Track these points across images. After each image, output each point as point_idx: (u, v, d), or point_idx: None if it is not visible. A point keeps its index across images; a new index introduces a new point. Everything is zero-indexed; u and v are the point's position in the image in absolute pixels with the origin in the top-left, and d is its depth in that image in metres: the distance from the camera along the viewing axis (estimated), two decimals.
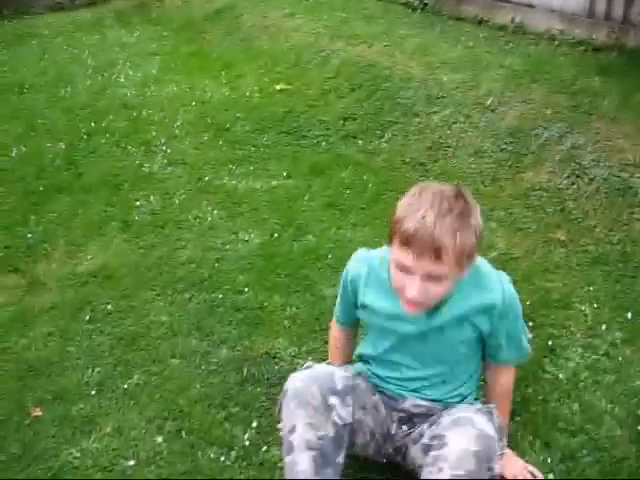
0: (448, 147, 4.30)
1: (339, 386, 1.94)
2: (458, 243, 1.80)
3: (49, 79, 6.36)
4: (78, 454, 2.36)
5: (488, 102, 4.60)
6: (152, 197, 4.02)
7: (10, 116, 5.52)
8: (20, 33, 8.33)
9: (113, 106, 5.47)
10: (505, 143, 4.22)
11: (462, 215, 1.84)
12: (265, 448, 2.31)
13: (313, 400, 1.89)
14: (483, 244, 1.92)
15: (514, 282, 2.07)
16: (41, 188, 4.28)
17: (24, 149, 4.88)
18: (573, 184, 3.86)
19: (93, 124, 5.15)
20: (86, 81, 6.15)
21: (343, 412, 1.92)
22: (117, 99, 5.62)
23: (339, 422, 1.91)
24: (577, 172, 3.92)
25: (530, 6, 5.65)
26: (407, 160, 4.23)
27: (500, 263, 3.10)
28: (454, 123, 4.50)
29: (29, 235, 3.77)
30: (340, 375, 1.98)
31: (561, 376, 2.63)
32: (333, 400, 1.91)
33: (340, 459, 1.93)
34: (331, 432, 1.89)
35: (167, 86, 5.74)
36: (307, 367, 2.06)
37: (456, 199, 1.86)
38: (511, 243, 3.41)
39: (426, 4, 6.49)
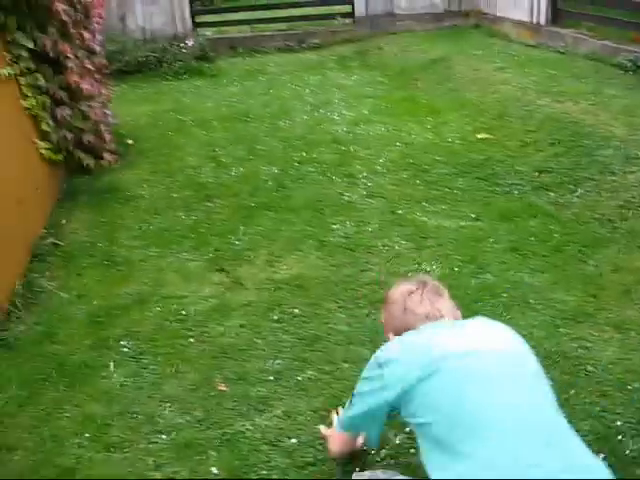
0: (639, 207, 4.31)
1: None
2: None
3: (272, 111, 7.03)
4: (250, 427, 2.72)
5: None
6: (348, 223, 4.39)
7: (235, 141, 6.21)
8: (251, 69, 9.24)
9: (324, 140, 5.97)
10: None
11: None
12: (413, 451, 2.52)
13: None
14: None
15: None
16: (252, 204, 4.81)
17: (242, 170, 5.48)
18: None
19: (304, 154, 5.67)
20: (303, 116, 6.74)
21: None
22: (329, 134, 6.12)
23: None
24: None
25: None
26: (596, 216, 4.28)
27: None
28: None
29: (237, 242, 4.27)
30: None
31: None
32: None
33: None
34: None
35: (376, 126, 6.17)
36: None
37: None
38: None
39: (638, 66, 6.45)
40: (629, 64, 6.56)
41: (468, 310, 3.39)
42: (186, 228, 4.53)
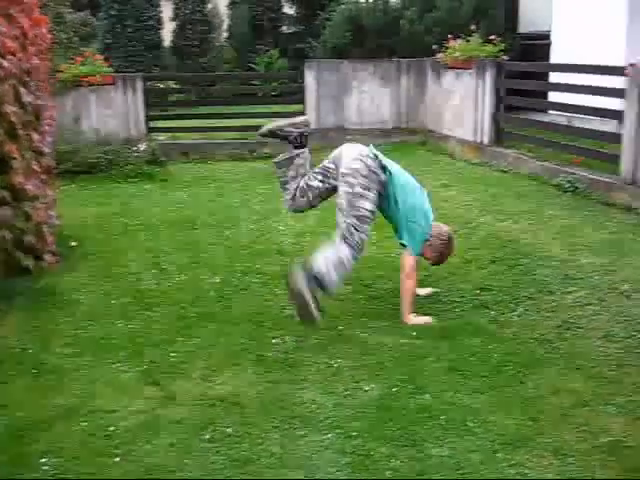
0: (578, 328, 4.35)
1: None
2: None
3: (219, 219, 7.05)
4: None
5: (624, 287, 4.65)
6: (287, 338, 4.33)
7: (180, 247, 6.18)
8: (201, 176, 9.33)
9: (270, 250, 5.98)
10: (636, 330, 4.23)
11: None
12: None
13: None
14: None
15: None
16: (192, 314, 4.73)
17: (184, 278, 5.43)
18: None
19: (249, 264, 5.65)
20: (250, 225, 6.78)
21: None
22: (274, 245, 6.14)
23: None
24: None
25: None
26: (535, 335, 4.31)
27: (609, 448, 3.12)
28: (587, 305, 4.57)
29: (173, 354, 4.17)
30: None
31: None
32: None
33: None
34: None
35: (321, 238, 6.18)
36: None
37: None
38: (627, 431, 3.37)
39: (577, 187, 6.68)
40: (568, 185, 6.80)
41: (405, 433, 3.35)
42: (122, 337, 4.41)
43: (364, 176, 4.40)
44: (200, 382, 3.83)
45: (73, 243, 6.16)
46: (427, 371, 3.93)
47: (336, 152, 4.63)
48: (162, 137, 10.72)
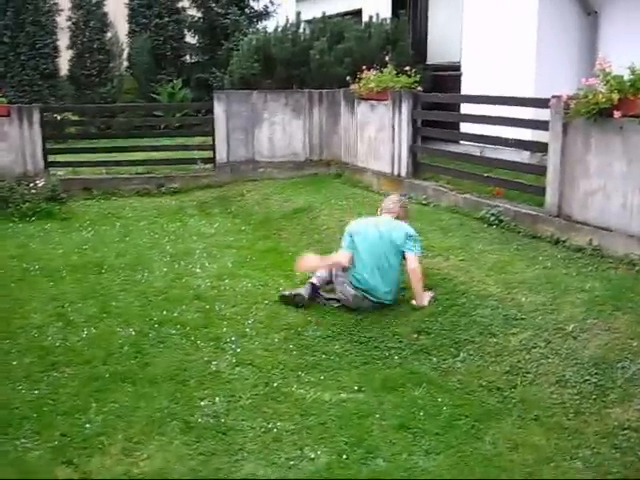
0: (527, 373, 4.10)
1: None
2: None
3: (127, 261, 6.53)
4: None
5: (569, 328, 4.44)
6: (217, 398, 3.90)
7: (86, 295, 5.63)
8: (106, 213, 8.75)
9: (186, 296, 5.52)
10: (589, 374, 3.99)
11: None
12: None
13: None
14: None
15: None
16: (106, 375, 4.24)
17: (94, 331, 4.91)
18: None
19: (165, 312, 5.18)
20: (163, 267, 6.28)
21: None
22: (191, 289, 5.68)
23: None
24: None
25: (608, 230, 5.62)
26: (483, 383, 4.05)
27: None
28: (533, 347, 4.32)
29: (87, 425, 3.67)
30: None
31: None
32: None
33: None
34: None
35: (241, 281, 5.80)
36: None
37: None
38: None
39: (502, 220, 6.54)
40: (492, 218, 6.64)
41: None
42: (27, 406, 3.88)
43: None
44: (122, 458, 3.36)
45: None
46: (375, 431, 3.60)
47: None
48: (62, 172, 10.05)
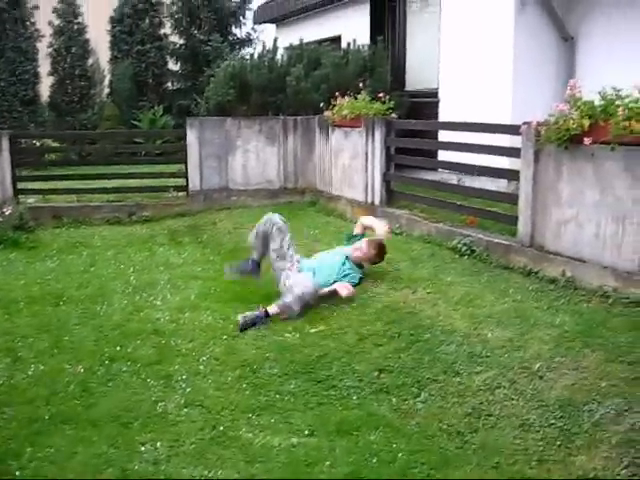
0: (490, 415, 3.87)
1: None
2: None
3: (88, 293, 6.31)
4: None
5: (536, 367, 4.23)
6: (159, 443, 3.66)
7: (41, 329, 5.40)
8: (74, 242, 8.51)
9: (144, 330, 5.29)
10: (554, 417, 3.77)
11: None
12: None
13: None
14: None
15: None
16: (47, 416, 4.00)
17: (42, 368, 4.68)
18: (634, 475, 3.34)
19: (119, 348, 4.96)
20: (123, 300, 6.06)
21: None
22: (149, 323, 5.46)
23: None
24: (638, 460, 3.41)
25: (581, 261, 5.44)
26: (443, 427, 3.82)
27: None
28: (497, 388, 4.11)
29: (17, 473, 3.42)
30: None
31: None
32: None
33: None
34: None
35: (202, 314, 5.58)
36: None
37: None
38: None
39: (474, 250, 6.36)
40: (464, 248, 6.46)
41: None
42: None
43: None
44: None
45: None
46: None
47: None
48: (32, 200, 9.85)
